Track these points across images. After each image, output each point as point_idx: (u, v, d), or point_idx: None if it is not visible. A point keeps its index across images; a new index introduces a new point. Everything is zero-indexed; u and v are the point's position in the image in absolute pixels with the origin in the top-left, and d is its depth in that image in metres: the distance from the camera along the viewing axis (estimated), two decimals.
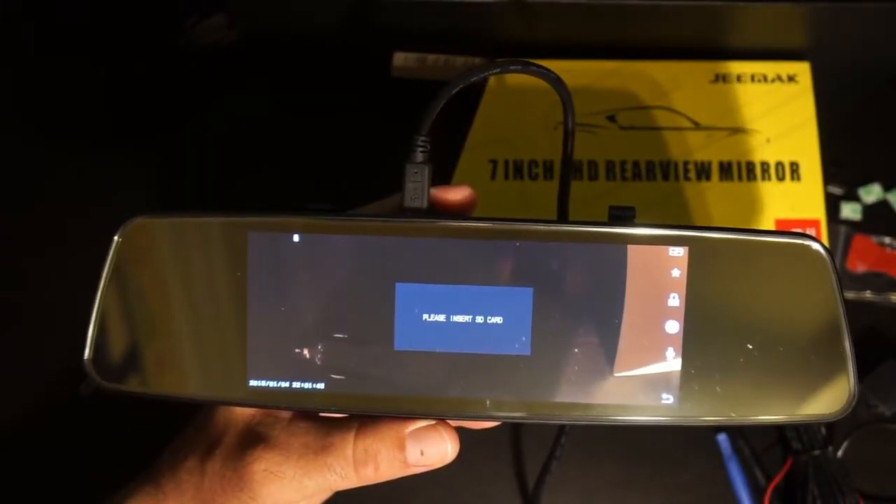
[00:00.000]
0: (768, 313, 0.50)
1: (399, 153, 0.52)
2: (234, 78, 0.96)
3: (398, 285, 0.50)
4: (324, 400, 0.51)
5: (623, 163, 0.89)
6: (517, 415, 0.51)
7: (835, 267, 0.49)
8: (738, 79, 0.91)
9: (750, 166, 0.88)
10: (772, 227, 0.86)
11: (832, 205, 0.89)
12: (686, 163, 0.89)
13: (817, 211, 0.87)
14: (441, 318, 0.50)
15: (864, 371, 0.83)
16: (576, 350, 0.50)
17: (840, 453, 0.82)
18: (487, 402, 0.50)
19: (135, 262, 0.51)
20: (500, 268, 0.50)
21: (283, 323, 0.51)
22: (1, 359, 0.87)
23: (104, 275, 0.51)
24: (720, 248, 0.49)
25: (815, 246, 0.49)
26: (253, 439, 0.53)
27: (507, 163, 0.89)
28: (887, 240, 0.88)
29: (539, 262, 0.50)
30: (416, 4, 0.90)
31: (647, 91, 0.91)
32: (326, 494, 0.57)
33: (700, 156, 0.89)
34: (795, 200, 0.87)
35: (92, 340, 0.51)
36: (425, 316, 0.50)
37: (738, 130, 0.90)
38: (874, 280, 0.87)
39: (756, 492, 0.82)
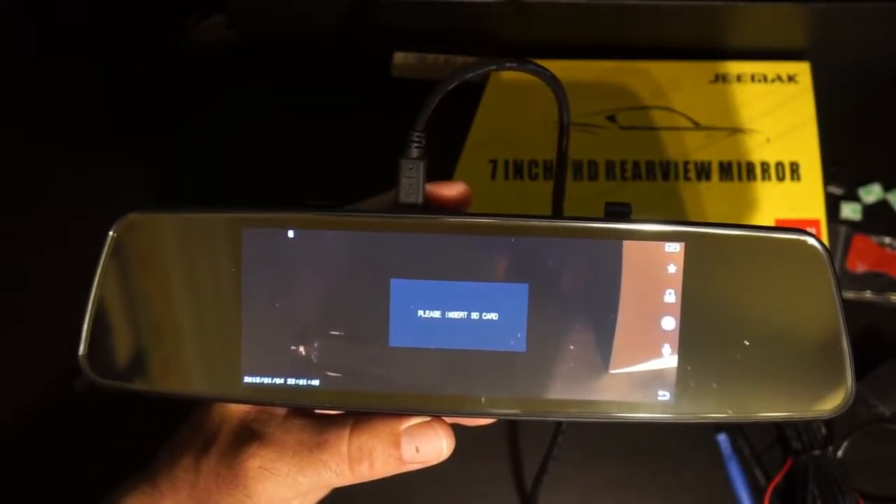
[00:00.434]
0: (765, 310, 0.49)
1: (399, 153, 0.52)
2: (234, 78, 0.96)
3: (393, 281, 0.50)
4: (319, 396, 0.51)
5: (623, 163, 0.89)
6: (512, 411, 0.51)
7: (832, 262, 0.49)
8: (738, 79, 0.91)
9: (750, 166, 0.88)
10: None
11: (832, 205, 0.89)
12: (686, 163, 0.88)
13: (817, 211, 0.86)
14: (436, 314, 0.50)
15: (864, 371, 0.83)
16: (571, 346, 0.50)
17: (840, 453, 0.82)
18: (483, 399, 0.50)
19: (129, 258, 0.51)
20: (495, 264, 0.50)
21: (277, 319, 0.51)
22: (0, 358, 0.87)
23: (98, 271, 0.51)
24: (716, 244, 0.49)
25: (812, 241, 0.49)
26: (248, 436, 0.53)
27: (507, 163, 0.89)
28: (887, 240, 0.88)
29: (534, 258, 0.49)
30: (416, 4, 0.90)
31: (647, 91, 0.91)
32: (322, 492, 0.57)
33: (700, 156, 0.89)
34: (795, 200, 0.87)
35: (86, 336, 0.51)
36: (420, 312, 0.50)
37: (737, 130, 0.90)
38: (874, 280, 0.87)
39: (756, 492, 0.82)
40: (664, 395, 0.50)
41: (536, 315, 0.50)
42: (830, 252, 0.49)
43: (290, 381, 0.51)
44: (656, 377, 0.50)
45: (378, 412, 0.52)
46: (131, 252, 0.51)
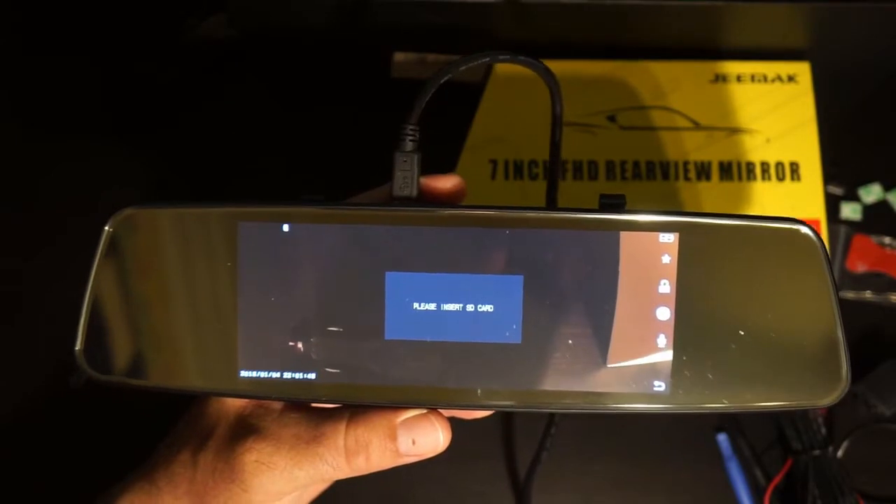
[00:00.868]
0: (760, 299, 0.49)
1: (393, 147, 0.53)
2: (235, 76, 0.96)
3: (388, 274, 0.50)
4: (315, 390, 0.51)
5: (623, 163, 0.89)
6: (508, 403, 0.51)
7: (825, 250, 0.49)
8: (738, 79, 0.91)
9: (750, 166, 0.88)
10: None
11: (832, 205, 0.89)
12: (686, 163, 0.88)
13: (817, 211, 0.86)
14: (431, 306, 0.50)
15: (864, 371, 0.83)
16: (567, 338, 0.50)
17: (840, 453, 0.82)
18: (478, 391, 0.50)
19: (125, 253, 0.51)
20: (490, 256, 0.50)
21: (273, 313, 0.51)
22: None
23: (94, 265, 0.51)
24: (711, 234, 0.49)
25: (805, 230, 0.49)
26: (244, 431, 0.53)
27: (507, 163, 0.89)
28: (887, 240, 0.88)
29: (530, 249, 0.50)
30: (416, 4, 0.90)
31: (647, 91, 0.91)
32: (320, 485, 0.57)
33: (700, 156, 0.89)
34: (795, 200, 0.87)
35: (82, 332, 0.51)
36: (416, 305, 0.50)
37: (737, 130, 0.90)
38: (874, 280, 0.87)
39: (756, 492, 0.82)
40: (660, 386, 0.50)
41: (532, 307, 0.50)
42: (824, 240, 0.49)
43: (287, 375, 0.51)
44: (652, 368, 0.50)
45: (374, 405, 0.52)
46: (127, 247, 0.51)
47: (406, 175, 0.52)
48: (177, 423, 0.58)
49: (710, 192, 0.87)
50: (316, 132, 0.93)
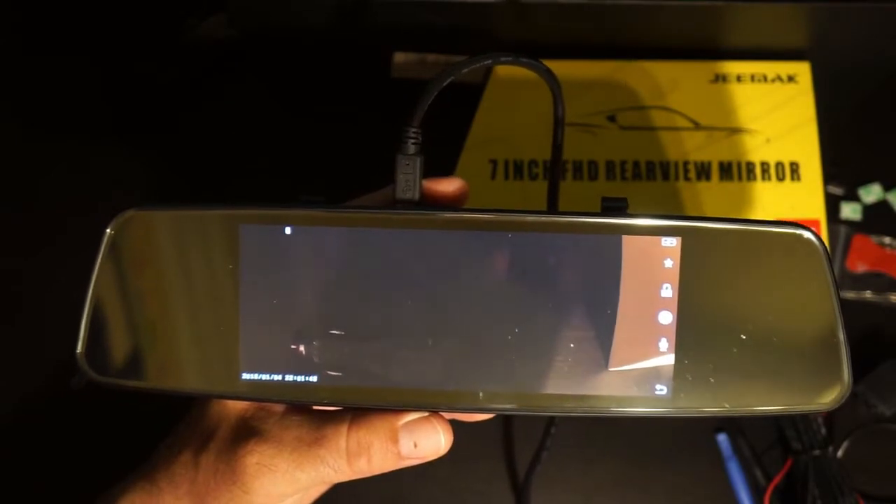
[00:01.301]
0: (762, 303, 0.49)
1: (396, 149, 0.52)
2: (235, 76, 0.96)
3: (390, 277, 0.50)
4: (317, 393, 0.51)
5: (623, 163, 0.89)
6: (510, 406, 0.51)
7: (828, 255, 0.49)
8: (738, 79, 0.91)
9: (750, 166, 0.88)
10: None
11: (832, 205, 0.89)
12: (686, 163, 0.89)
13: (817, 211, 0.86)
14: (433, 309, 0.50)
15: (864, 371, 0.83)
16: (569, 341, 0.50)
17: (840, 453, 0.82)
18: (480, 394, 0.50)
19: (127, 255, 0.51)
20: (492, 259, 0.50)
21: (275, 316, 0.51)
22: None
23: (96, 268, 0.51)
24: (713, 238, 0.49)
25: (808, 235, 0.49)
26: (246, 433, 0.53)
27: (507, 163, 0.89)
28: (887, 240, 0.88)
29: (532, 252, 0.49)
30: (416, 4, 0.90)
31: (647, 91, 0.91)
32: (321, 487, 0.57)
33: (700, 156, 0.89)
34: (795, 200, 0.87)
35: (84, 334, 0.51)
36: (417, 307, 0.50)
37: (737, 130, 0.90)
38: (874, 280, 0.87)
39: (756, 492, 0.82)
40: (661, 390, 0.50)
41: (534, 310, 0.50)
42: (826, 245, 0.49)
43: (289, 378, 0.51)
44: (653, 371, 0.50)
45: (376, 408, 0.52)
46: (129, 249, 0.51)
47: (408, 178, 0.52)
48: (177, 425, 0.58)
49: (710, 192, 0.87)
50: (316, 132, 0.93)
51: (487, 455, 0.83)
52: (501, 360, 0.50)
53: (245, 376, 0.51)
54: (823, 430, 0.81)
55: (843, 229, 0.88)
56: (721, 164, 0.88)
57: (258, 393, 0.51)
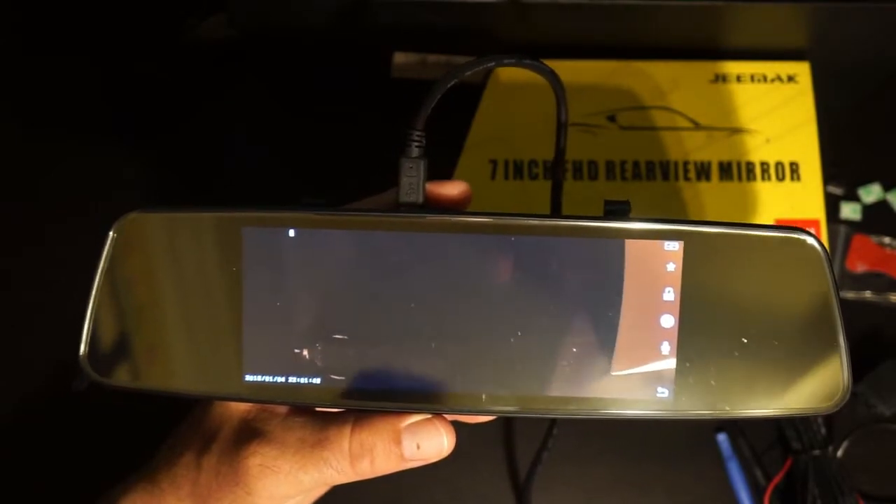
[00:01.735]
0: (763, 307, 0.49)
1: (399, 152, 0.52)
2: (235, 77, 0.96)
3: (393, 280, 0.50)
4: (320, 395, 0.51)
5: (623, 163, 0.89)
6: (512, 409, 0.51)
7: (829, 260, 0.49)
8: (738, 79, 0.91)
9: (750, 166, 0.88)
10: None
11: (832, 205, 0.89)
12: (686, 163, 0.89)
13: (817, 211, 0.86)
14: (436, 312, 0.50)
15: (864, 371, 0.83)
16: (572, 344, 0.50)
17: (840, 453, 0.82)
18: (483, 397, 0.50)
19: (130, 258, 0.51)
20: (496, 263, 0.50)
21: (278, 318, 0.51)
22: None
23: (99, 270, 0.51)
24: (715, 242, 0.49)
25: (810, 240, 0.49)
26: (249, 434, 0.53)
27: (507, 163, 0.89)
28: (887, 240, 0.88)
29: (535, 256, 0.50)
30: (416, 4, 0.90)
31: (647, 91, 0.91)
32: (323, 489, 0.57)
33: (700, 156, 0.89)
34: (795, 200, 0.87)
35: (87, 336, 0.51)
36: (421, 310, 0.50)
37: (737, 130, 0.90)
38: (874, 280, 0.87)
39: (756, 492, 0.82)
40: (663, 393, 0.50)
41: (537, 313, 0.50)
42: (828, 251, 0.49)
43: (292, 380, 0.51)
44: (656, 374, 0.50)
45: (379, 410, 0.52)
46: (131, 251, 0.51)
47: (412, 181, 0.52)
48: (179, 426, 0.58)
49: (710, 192, 0.88)
50: (316, 132, 0.93)
51: (488, 455, 0.84)
52: (504, 362, 0.50)
53: (248, 378, 0.51)
54: (823, 430, 0.81)
55: (843, 229, 0.88)
56: (721, 164, 0.88)
57: (261, 395, 0.51)
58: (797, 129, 0.89)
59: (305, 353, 0.51)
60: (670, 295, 0.49)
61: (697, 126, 0.90)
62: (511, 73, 0.90)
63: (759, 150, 0.89)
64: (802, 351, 0.49)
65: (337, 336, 0.50)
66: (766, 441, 0.84)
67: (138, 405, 0.63)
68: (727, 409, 0.50)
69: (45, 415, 0.85)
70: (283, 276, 0.51)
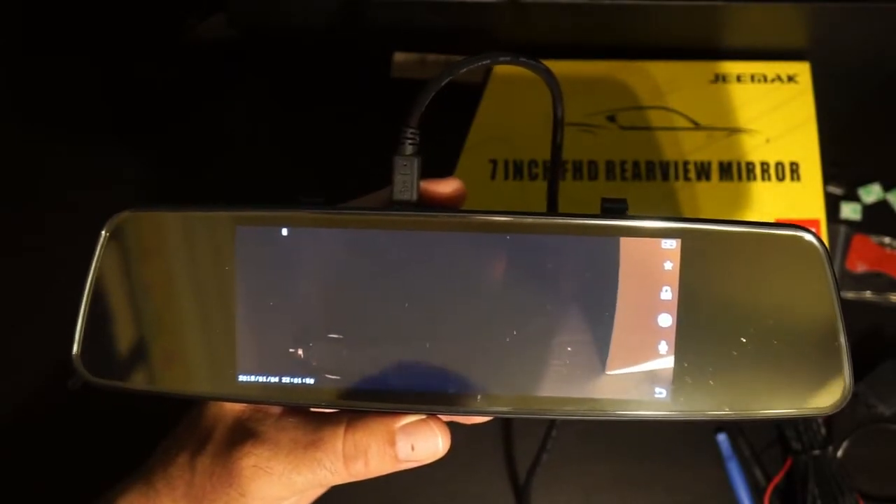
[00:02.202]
0: (762, 306, 0.49)
1: (393, 150, 0.52)
2: (234, 77, 0.96)
3: (387, 279, 0.50)
4: (314, 395, 0.51)
5: (623, 163, 0.89)
6: (508, 409, 0.50)
7: (829, 258, 0.49)
8: (738, 79, 0.91)
9: (750, 166, 0.88)
10: None
11: (832, 205, 0.89)
12: (686, 163, 0.88)
13: (817, 211, 0.86)
14: (431, 311, 0.50)
15: (864, 371, 0.83)
16: (567, 344, 0.50)
17: (840, 453, 0.82)
18: (478, 397, 0.50)
19: (123, 256, 0.51)
20: (490, 261, 0.50)
21: (272, 317, 0.51)
22: None
23: (92, 269, 0.51)
24: (713, 241, 0.49)
25: (809, 237, 0.48)
26: (242, 435, 0.53)
27: (507, 163, 0.89)
28: (887, 240, 0.87)
29: (530, 254, 0.49)
30: (416, 4, 0.90)
31: (647, 91, 0.91)
32: (317, 490, 0.56)
33: (700, 156, 0.89)
34: (795, 200, 0.87)
35: (80, 335, 0.51)
36: (415, 309, 0.50)
37: (737, 130, 0.90)
38: (874, 280, 0.87)
39: (756, 491, 0.82)
40: (661, 393, 0.49)
41: (533, 312, 0.50)
42: (827, 247, 0.49)
43: (285, 380, 0.51)
44: (653, 374, 0.49)
45: (373, 410, 0.51)
46: (125, 250, 0.51)
47: (406, 179, 0.52)
48: (173, 427, 0.58)
49: (710, 193, 0.87)
50: (316, 132, 0.93)
51: (487, 457, 0.83)
52: (499, 362, 0.50)
53: (242, 378, 0.51)
54: (823, 430, 0.81)
55: (843, 229, 0.88)
56: (721, 164, 0.88)
57: (255, 395, 0.51)
58: (797, 129, 0.89)
59: (299, 352, 0.51)
60: (668, 294, 0.49)
61: (697, 126, 0.90)
62: (511, 73, 0.90)
63: (759, 150, 0.89)
64: (802, 351, 0.49)
65: (331, 335, 0.50)
66: (765, 441, 0.83)
67: (136, 405, 0.63)
68: (726, 410, 0.50)
69: (43, 415, 0.85)
70: (277, 276, 0.50)
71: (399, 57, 0.94)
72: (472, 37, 0.93)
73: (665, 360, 0.49)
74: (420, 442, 0.51)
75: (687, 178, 0.88)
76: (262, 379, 0.51)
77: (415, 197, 0.52)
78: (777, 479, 0.81)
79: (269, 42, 0.97)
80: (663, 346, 0.49)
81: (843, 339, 0.49)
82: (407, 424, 0.51)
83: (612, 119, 0.90)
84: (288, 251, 0.50)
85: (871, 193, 0.89)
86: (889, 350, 0.85)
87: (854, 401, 0.83)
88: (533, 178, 0.88)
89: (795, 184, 0.87)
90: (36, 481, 0.83)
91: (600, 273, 0.49)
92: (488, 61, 0.52)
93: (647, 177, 0.88)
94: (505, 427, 0.84)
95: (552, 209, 0.61)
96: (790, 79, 0.91)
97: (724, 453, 0.83)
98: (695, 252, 0.49)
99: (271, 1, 0.92)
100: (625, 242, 0.49)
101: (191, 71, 0.96)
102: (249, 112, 0.95)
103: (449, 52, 0.94)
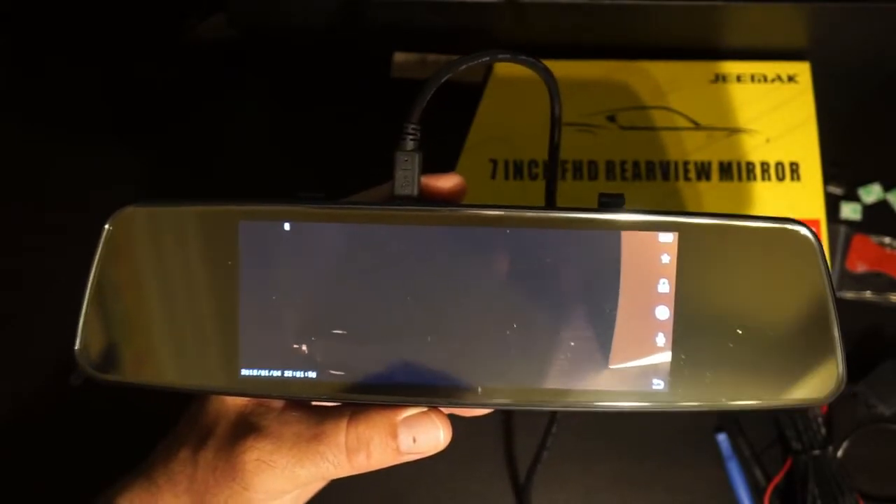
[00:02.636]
0: (758, 298, 0.50)
1: (395, 146, 0.53)
2: (235, 77, 0.96)
3: (388, 273, 0.50)
4: (316, 389, 0.51)
5: (623, 163, 0.89)
6: (508, 401, 0.51)
7: (822, 251, 0.49)
8: (738, 79, 0.91)
9: (750, 166, 0.88)
10: None
11: (832, 205, 0.89)
12: (686, 163, 0.89)
13: (817, 211, 0.86)
14: (432, 305, 0.50)
15: (864, 371, 0.83)
16: (567, 336, 0.50)
17: (840, 453, 0.82)
18: (479, 389, 0.50)
19: (125, 251, 0.51)
20: (491, 255, 0.50)
21: (274, 312, 0.51)
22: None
23: (94, 264, 0.51)
24: (710, 234, 0.49)
25: (803, 231, 0.49)
26: (245, 429, 0.53)
27: (507, 163, 0.89)
28: (887, 240, 0.88)
29: (530, 248, 0.50)
30: (416, 4, 0.90)
31: (647, 91, 0.91)
32: (320, 483, 0.57)
33: (700, 156, 0.89)
34: (795, 200, 0.87)
35: (82, 331, 0.51)
36: (416, 303, 0.50)
37: (737, 130, 0.90)
38: (874, 280, 0.87)
39: (756, 491, 0.82)
40: (658, 384, 0.50)
41: (533, 305, 0.50)
42: (820, 240, 0.49)
43: (288, 374, 0.51)
44: (651, 366, 0.50)
45: (375, 403, 0.52)
46: (127, 245, 0.51)
47: (407, 174, 0.52)
48: (176, 422, 0.58)
49: (710, 192, 0.87)
50: (316, 132, 0.93)
51: (487, 454, 0.83)
52: (500, 355, 0.50)
53: (244, 372, 0.51)
54: (823, 430, 0.81)
55: (842, 229, 0.88)
56: (721, 164, 0.88)
57: (257, 389, 0.52)
58: (797, 129, 0.89)
59: (301, 346, 0.51)
60: (665, 286, 0.49)
61: (697, 126, 0.90)
62: (511, 73, 0.90)
63: (759, 150, 0.89)
64: (797, 341, 0.49)
65: (332, 330, 0.50)
66: (765, 441, 0.83)
67: (138, 401, 0.63)
68: (723, 400, 0.50)
69: (45, 413, 0.85)
70: (279, 270, 0.51)
71: (399, 57, 0.94)
72: (472, 37, 0.93)
73: (663, 353, 0.50)
74: (422, 434, 0.51)
75: (687, 178, 0.88)
76: (264, 373, 0.51)
77: (416, 192, 0.52)
78: (777, 479, 0.81)
79: (269, 42, 0.97)
80: (661, 339, 0.50)
81: (836, 330, 0.49)
82: (409, 417, 0.51)
83: (612, 119, 0.90)
84: (290, 246, 0.50)
85: (871, 193, 0.89)
86: (889, 350, 0.85)
87: (854, 401, 0.83)
88: (533, 177, 0.88)
89: (795, 184, 0.87)
90: (36, 480, 0.83)
91: (598, 266, 0.50)
92: (487, 59, 0.52)
93: (647, 177, 0.88)
94: (505, 425, 0.84)
95: (550, 204, 0.61)
96: (790, 79, 0.91)
97: (724, 453, 0.83)
98: (692, 245, 0.49)
99: (271, 1, 0.92)
100: (623, 236, 0.49)
101: (191, 71, 0.97)
102: (249, 112, 0.95)
103: (449, 52, 0.94)
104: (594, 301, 0.50)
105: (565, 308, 0.50)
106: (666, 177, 0.88)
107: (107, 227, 0.51)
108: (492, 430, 0.84)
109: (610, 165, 0.89)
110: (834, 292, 0.49)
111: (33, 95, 0.97)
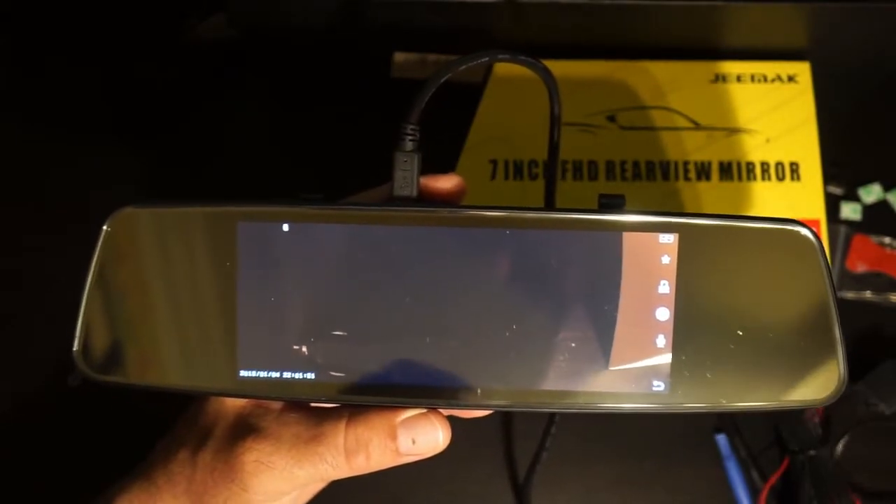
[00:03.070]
0: (758, 299, 0.50)
1: (393, 146, 0.53)
2: (235, 77, 0.96)
3: (387, 273, 0.50)
4: (315, 390, 0.51)
5: (623, 163, 0.89)
6: (507, 403, 0.51)
7: (823, 252, 0.49)
8: (738, 79, 0.91)
9: (750, 166, 0.88)
10: None
11: (832, 205, 0.89)
12: (686, 163, 0.88)
13: (817, 211, 0.86)
14: (431, 306, 0.50)
15: (864, 371, 0.83)
16: (567, 338, 0.50)
17: (839, 452, 0.82)
18: (478, 391, 0.50)
19: (123, 252, 0.51)
20: (490, 256, 0.50)
21: (273, 313, 0.51)
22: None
23: (92, 265, 0.51)
24: (710, 235, 0.49)
25: (804, 231, 0.49)
26: (244, 430, 0.53)
27: (507, 163, 0.89)
28: (887, 240, 0.88)
29: (530, 250, 0.50)
30: (416, 4, 0.90)
31: (647, 91, 0.91)
32: (319, 484, 0.57)
33: (700, 156, 0.89)
34: (795, 200, 0.87)
35: (80, 332, 0.51)
36: (415, 304, 0.50)
37: (737, 130, 0.90)
38: (874, 280, 0.87)
39: (754, 491, 0.82)
40: (659, 386, 0.50)
41: (532, 307, 0.50)
42: (821, 240, 0.49)
43: (286, 375, 0.51)
44: (651, 368, 0.50)
45: (374, 405, 0.52)
46: (125, 246, 0.51)
47: (406, 175, 0.52)
48: (175, 423, 0.58)
49: (710, 192, 0.87)
50: (316, 132, 0.93)
51: (487, 456, 0.83)
52: (500, 356, 0.50)
53: (243, 374, 0.51)
54: (820, 430, 0.81)
55: (843, 229, 0.88)
56: (721, 164, 0.88)
57: (256, 390, 0.52)
58: (797, 129, 0.89)
59: (299, 347, 0.51)
60: (665, 288, 0.49)
61: (697, 126, 0.90)
62: (511, 73, 0.90)
63: (759, 150, 0.89)
64: (798, 342, 0.49)
65: (331, 331, 0.50)
66: (763, 441, 0.83)
67: (137, 402, 0.63)
68: (724, 402, 0.50)
69: (44, 413, 0.85)
70: (278, 271, 0.51)
71: (399, 57, 0.94)
72: (471, 37, 0.93)
73: (663, 354, 0.50)
74: (421, 436, 0.51)
75: (687, 178, 0.88)
76: (262, 374, 0.51)
77: (415, 193, 0.52)
78: (773, 480, 0.81)
79: (269, 42, 0.97)
80: (661, 340, 0.50)
81: (837, 332, 0.49)
82: (408, 418, 0.51)
83: (612, 119, 0.90)
84: (289, 247, 0.50)
85: (871, 193, 0.89)
86: (889, 350, 0.84)
87: (854, 400, 0.83)
88: (533, 178, 0.88)
89: (795, 184, 0.87)
90: (36, 480, 0.83)
91: (598, 268, 0.50)
92: (487, 59, 0.52)
93: (647, 177, 0.88)
94: (505, 426, 0.84)
95: (550, 205, 0.61)
96: (790, 79, 0.91)
97: (723, 453, 0.83)
98: (692, 246, 0.49)
99: (271, 1, 0.92)
100: (623, 237, 0.49)
101: (191, 71, 0.96)
102: (249, 112, 0.95)
103: (449, 52, 0.94)
104: (594, 302, 0.50)
105: (565, 309, 0.50)
106: (666, 177, 0.88)
107: (105, 227, 0.51)
108: (491, 432, 0.84)
109: (610, 165, 0.89)
110: (835, 293, 0.49)
111: (33, 95, 0.97)
